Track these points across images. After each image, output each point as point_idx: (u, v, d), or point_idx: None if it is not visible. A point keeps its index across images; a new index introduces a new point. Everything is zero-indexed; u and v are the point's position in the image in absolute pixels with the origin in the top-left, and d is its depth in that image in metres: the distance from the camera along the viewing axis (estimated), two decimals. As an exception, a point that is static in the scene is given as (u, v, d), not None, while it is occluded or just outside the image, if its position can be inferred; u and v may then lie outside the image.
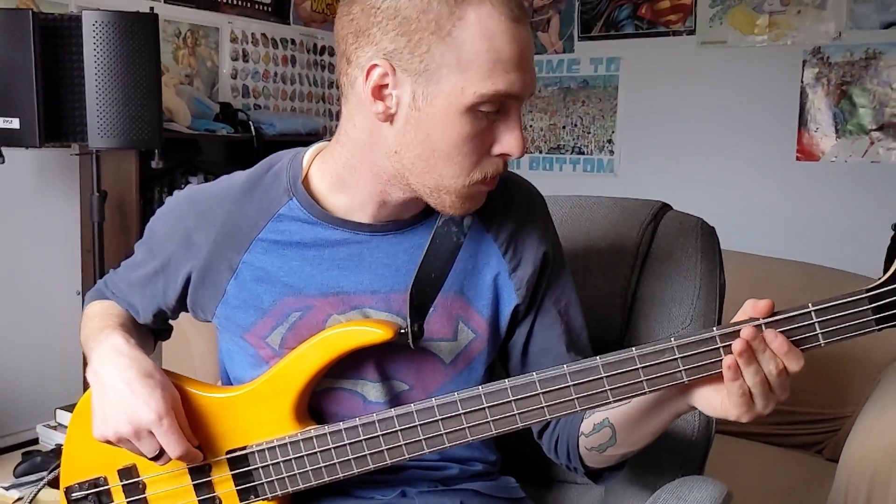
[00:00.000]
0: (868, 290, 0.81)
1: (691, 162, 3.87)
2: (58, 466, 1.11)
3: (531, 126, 4.22)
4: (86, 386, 2.78)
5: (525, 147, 0.94)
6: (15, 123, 2.22)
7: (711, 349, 0.85)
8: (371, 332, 0.98)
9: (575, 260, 1.35)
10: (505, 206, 1.08)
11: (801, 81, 3.66)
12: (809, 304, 0.83)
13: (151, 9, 2.28)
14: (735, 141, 3.79)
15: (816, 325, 0.83)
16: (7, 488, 1.64)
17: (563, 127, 4.17)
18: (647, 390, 0.88)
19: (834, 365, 2.17)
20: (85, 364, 2.69)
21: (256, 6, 3.32)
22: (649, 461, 1.25)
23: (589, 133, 4.12)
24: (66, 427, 2.10)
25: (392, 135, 0.94)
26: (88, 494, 1.07)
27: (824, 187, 3.64)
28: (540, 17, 4.18)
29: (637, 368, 0.88)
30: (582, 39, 4.10)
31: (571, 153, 4.16)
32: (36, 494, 1.13)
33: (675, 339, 0.86)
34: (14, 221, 2.60)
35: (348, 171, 1.00)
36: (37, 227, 2.66)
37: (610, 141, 4.06)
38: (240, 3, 3.25)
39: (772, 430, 2.20)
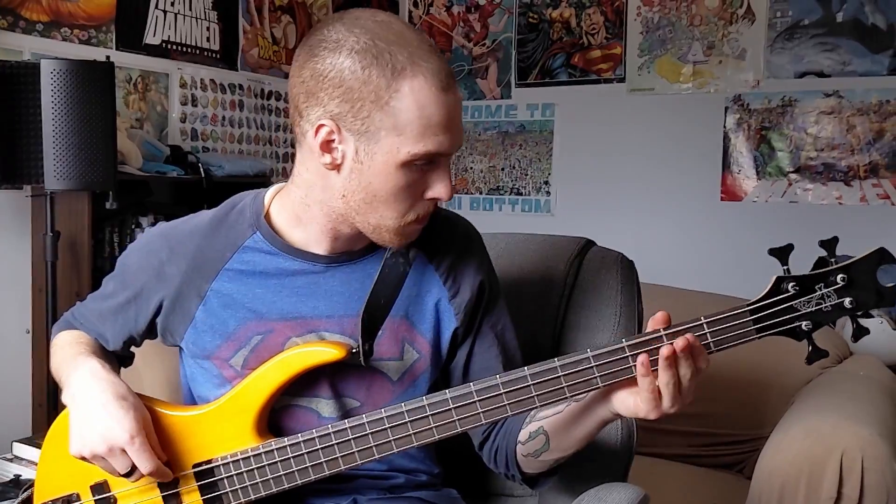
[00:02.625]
0: (748, 305, 0.96)
1: (623, 202, 4.07)
2: (30, 487, 1.19)
3: (471, 168, 4.39)
4: (35, 419, 2.83)
5: (452, 192, 1.09)
6: (-30, 165, 2.28)
7: (622, 357, 0.99)
8: (326, 351, 1.10)
9: (510, 290, 1.49)
10: (446, 241, 1.21)
11: (724, 126, 3.91)
12: (702, 317, 0.98)
13: (108, 57, 2.38)
14: (663, 182, 4.01)
15: (708, 334, 0.97)
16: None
17: (502, 169, 4.35)
18: (568, 396, 1.01)
19: (752, 389, 2.34)
20: (35, 396, 2.72)
21: (205, 53, 3.44)
22: (576, 471, 1.38)
23: (526, 175, 4.30)
24: (22, 459, 2.15)
25: (339, 181, 1.07)
26: (61, 510, 1.15)
27: (747, 226, 3.87)
28: (479, 64, 4.38)
29: (559, 376, 1.01)
30: (519, 86, 4.31)
31: (510, 194, 4.34)
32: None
33: (591, 351, 1.00)
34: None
35: (303, 209, 1.13)
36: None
37: (546, 182, 4.25)
38: (189, 50, 3.36)
39: (694, 451, 2.35)
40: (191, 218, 1.21)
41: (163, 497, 1.13)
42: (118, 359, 1.30)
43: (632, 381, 0.99)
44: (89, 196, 2.62)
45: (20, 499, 1.21)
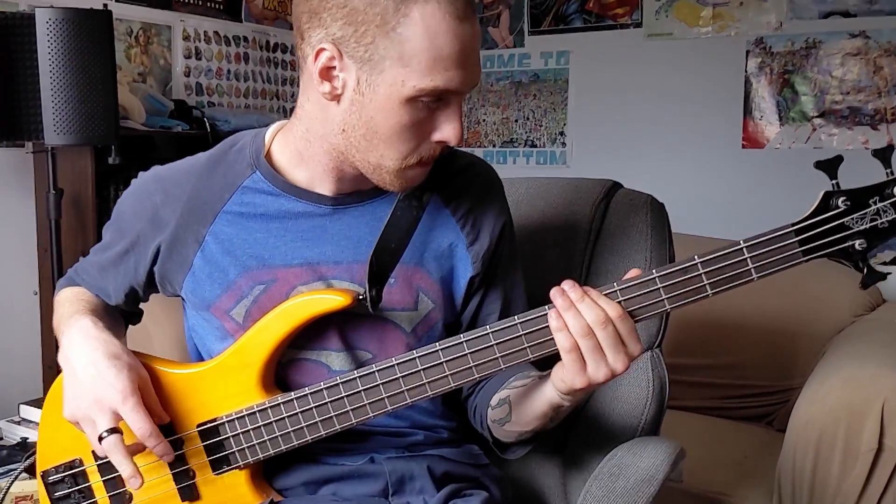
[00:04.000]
0: (794, 225, 0.87)
1: (641, 152, 3.96)
2: (33, 454, 1.12)
3: (484, 120, 4.28)
4: (46, 381, 2.78)
5: (462, 136, 0.99)
6: (-32, 121, 2.20)
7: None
8: (330, 299, 1.02)
9: (531, 238, 1.40)
10: (465, 185, 1.12)
11: (745, 71, 3.76)
12: (741, 241, 0.88)
13: (105, 5, 2.27)
14: (683, 130, 3.89)
15: (748, 260, 0.89)
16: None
17: (516, 120, 4.23)
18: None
19: (781, 339, 2.26)
20: (45, 358, 2.67)
21: (208, 4, 3.33)
22: (606, 426, 1.31)
23: (541, 126, 4.18)
24: (29, 421, 2.10)
25: (339, 113, 0.98)
26: (65, 477, 1.09)
27: (769, 173, 3.74)
28: (490, 12, 4.24)
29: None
30: (532, 34, 4.17)
31: (524, 146, 4.23)
32: (12, 483, 1.14)
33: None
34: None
35: (305, 145, 1.04)
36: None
37: (562, 133, 4.13)
38: (192, 1, 3.25)
39: (723, 403, 2.28)
40: (187, 159, 1.12)
41: (167, 460, 1.06)
42: (125, 315, 1.23)
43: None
44: (91, 152, 2.54)
45: (24, 465, 1.14)
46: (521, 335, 0.94)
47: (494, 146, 4.28)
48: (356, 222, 1.08)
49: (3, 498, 1.15)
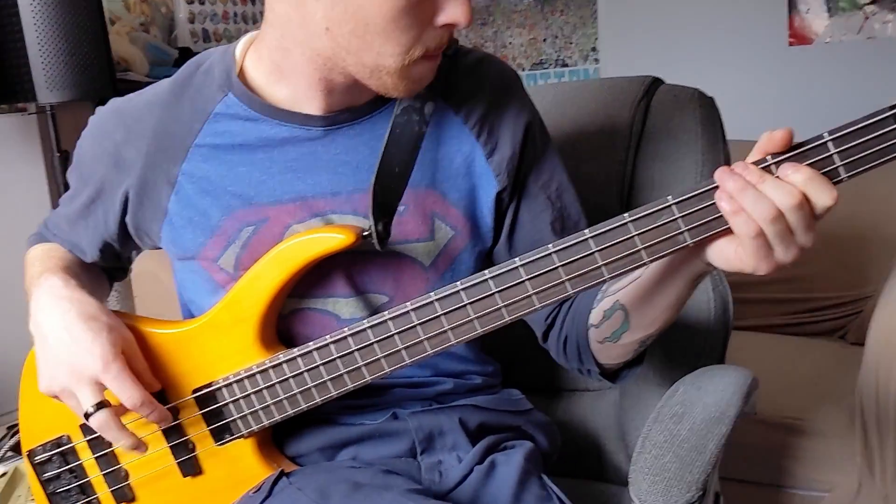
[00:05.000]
0: (891, 108, 0.68)
1: (679, 60, 3.70)
2: (16, 433, 1.00)
3: (510, 43, 4.05)
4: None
5: (472, 16, 0.81)
6: (-42, 85, 2.08)
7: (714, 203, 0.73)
8: (329, 237, 0.87)
9: (563, 150, 1.21)
10: (476, 86, 0.95)
11: (789, -37, 3.48)
12: (825, 134, 0.70)
13: (87, -52, 2.11)
14: (724, 31, 3.62)
15: (835, 156, 0.70)
16: (-9, 464, 1.56)
17: (544, 40, 3.99)
18: (646, 260, 0.76)
19: (850, 244, 2.06)
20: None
21: (207, -56, 3.14)
22: (664, 357, 1.15)
23: (571, 43, 3.94)
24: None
25: (319, 8, 0.80)
26: (53, 455, 0.97)
27: (819, 70, 3.48)
28: (508, -74, 3.98)
29: (632, 236, 0.75)
30: (554, -56, 3.90)
31: (555, 66, 3.99)
32: (-6, 462, 1.03)
33: (672, 198, 0.74)
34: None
35: (282, 55, 0.87)
36: (2, 196, 2.53)
37: (594, 49, 3.89)
38: (189, -58, 3.06)
39: (790, 319, 2.10)
40: (149, 88, 0.97)
41: (163, 431, 0.93)
42: (108, 273, 1.09)
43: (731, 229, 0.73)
44: (92, 108, 2.40)
45: (9, 445, 1.02)
46: (593, 252, 0.76)
47: (523, 69, 4.05)
48: (353, 144, 0.91)
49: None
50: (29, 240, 1.08)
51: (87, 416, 0.84)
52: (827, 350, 1.99)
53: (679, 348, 1.12)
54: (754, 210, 0.69)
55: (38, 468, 0.97)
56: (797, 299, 2.09)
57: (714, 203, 0.72)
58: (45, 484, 0.97)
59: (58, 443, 0.96)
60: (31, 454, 0.97)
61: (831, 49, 3.46)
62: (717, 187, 0.72)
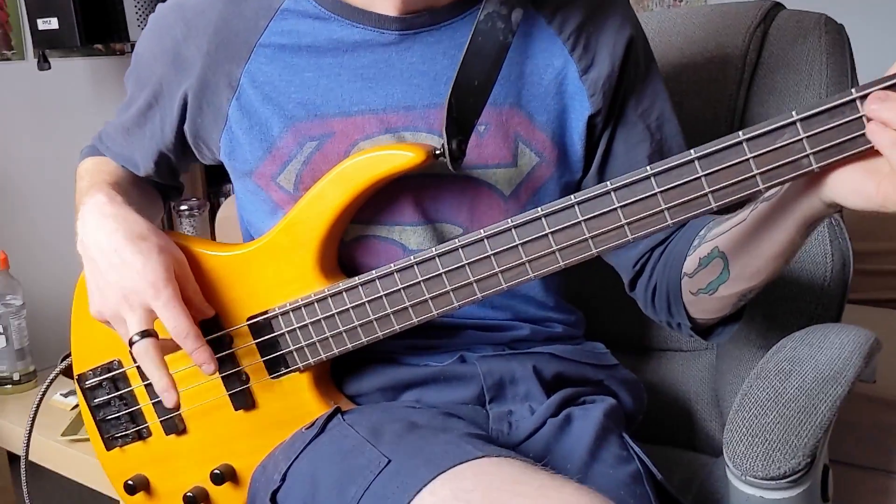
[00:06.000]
0: None
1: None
2: (69, 355, 0.97)
3: None
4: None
5: None
6: (54, 23, 2.10)
7: (850, 119, 0.61)
8: (397, 156, 0.78)
9: (668, 82, 1.09)
10: None
11: None
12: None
13: None
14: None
15: None
16: (65, 395, 1.55)
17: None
18: (761, 186, 0.64)
19: None
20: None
21: None
22: (768, 316, 1.02)
23: None
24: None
25: None
26: (103, 381, 0.92)
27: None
28: None
29: (747, 159, 0.64)
30: None
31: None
32: (48, 387, 1.00)
33: (797, 113, 0.62)
34: (74, 134, 2.49)
35: None
36: (97, 138, 2.57)
37: None
38: None
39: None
40: None
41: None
42: (161, 190, 1.04)
43: (867, 154, 0.61)
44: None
45: (59, 368, 0.99)
46: (699, 177, 0.65)
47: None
48: (430, 53, 0.82)
49: (41, 401, 1.00)
50: (81, 152, 1.03)
51: (130, 343, 0.79)
52: (954, 330, 1.80)
53: (787, 307, 1.00)
54: None
55: (88, 394, 0.93)
56: (923, 272, 1.90)
57: (848, 121, 0.61)
58: (94, 410, 0.93)
59: (108, 367, 0.92)
60: (81, 378, 0.93)
61: None
62: (851, 102, 0.60)
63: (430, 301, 0.78)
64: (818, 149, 0.62)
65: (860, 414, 1.48)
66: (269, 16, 0.84)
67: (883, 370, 1.48)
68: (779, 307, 1.01)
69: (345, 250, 0.86)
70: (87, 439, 0.97)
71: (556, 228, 0.71)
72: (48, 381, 1.00)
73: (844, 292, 1.01)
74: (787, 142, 0.63)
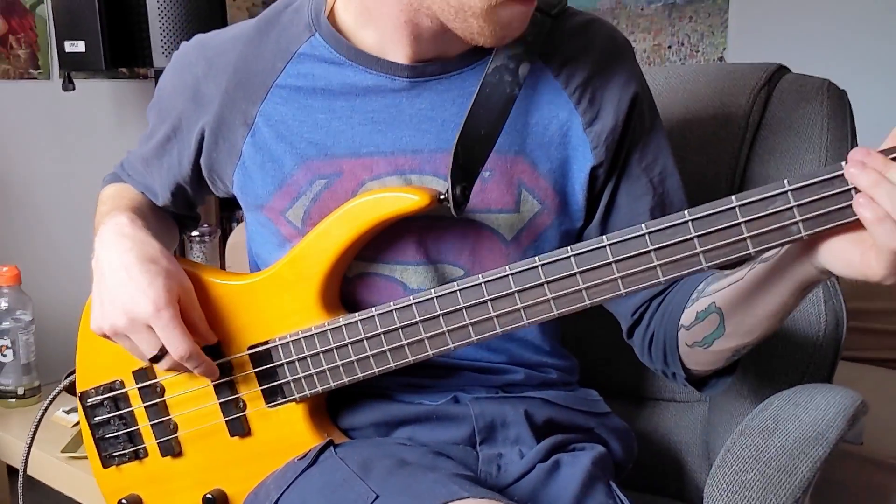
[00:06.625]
0: None
1: (824, 72, 3.49)
2: (73, 372, 0.99)
3: (634, 47, 3.92)
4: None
5: None
6: (80, 46, 2.15)
7: (840, 192, 0.63)
8: (403, 198, 0.81)
9: (671, 137, 1.12)
10: (580, 49, 0.87)
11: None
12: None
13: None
14: (881, 36, 3.36)
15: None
16: (67, 412, 1.57)
17: (669, 46, 3.84)
18: (751, 250, 0.67)
19: None
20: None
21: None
22: (762, 372, 1.04)
23: (697, 51, 3.77)
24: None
25: None
26: (104, 399, 0.94)
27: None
28: (641, -72, 3.85)
29: (738, 223, 0.67)
30: (688, -51, 3.75)
31: (678, 75, 3.85)
32: (50, 403, 1.02)
33: (788, 182, 0.65)
34: (94, 154, 2.55)
35: None
36: (118, 158, 2.61)
37: (721, 59, 3.72)
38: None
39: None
40: (236, 24, 0.93)
41: (214, 386, 0.89)
42: (178, 220, 1.07)
43: (854, 225, 0.63)
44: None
45: (63, 384, 1.01)
46: (692, 237, 0.68)
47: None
48: (440, 100, 0.85)
49: (42, 416, 1.02)
50: (104, 179, 1.07)
51: (154, 359, 0.83)
52: (951, 394, 1.80)
53: (780, 364, 1.01)
54: (888, 202, 0.59)
55: (89, 412, 0.95)
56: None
57: (837, 192, 0.63)
58: (94, 428, 0.95)
59: (110, 387, 0.94)
60: (84, 396, 0.95)
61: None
62: (841, 176, 0.63)
63: (426, 341, 0.80)
64: (807, 217, 0.65)
65: (852, 474, 1.48)
66: (286, 58, 0.87)
67: (874, 431, 1.49)
68: (772, 364, 1.02)
69: (347, 286, 0.88)
70: (86, 457, 0.99)
71: (552, 278, 0.74)
72: (51, 397, 1.02)
73: (837, 352, 1.02)
74: (778, 209, 0.65)
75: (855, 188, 0.62)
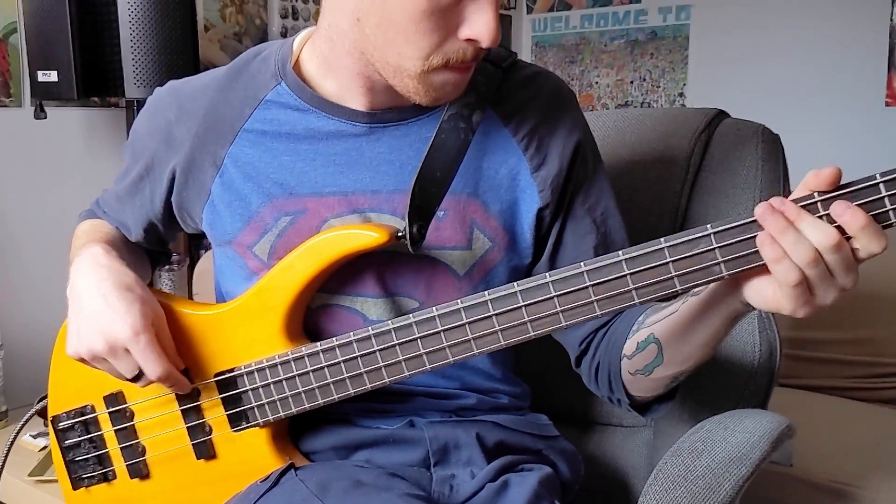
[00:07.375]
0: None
1: (770, 113, 3.61)
2: (45, 397, 1.03)
3: (597, 83, 4.03)
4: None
5: (499, 35, 0.79)
6: (53, 76, 2.19)
7: (756, 235, 0.70)
8: (363, 235, 0.86)
9: (619, 177, 1.20)
10: (528, 99, 0.94)
11: (891, 20, 3.37)
12: (877, 175, 0.67)
13: (187, -46, 2.20)
14: (818, 89, 3.52)
15: (886, 199, 0.67)
16: (35, 436, 1.60)
17: (631, 82, 3.96)
18: (678, 288, 0.73)
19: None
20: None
21: (307, -38, 3.24)
22: (701, 398, 1.11)
23: (658, 87, 3.90)
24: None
25: None
26: (75, 423, 0.98)
27: (918, 134, 3.35)
28: (605, -34, 3.98)
29: (666, 263, 0.73)
30: (649, -12, 3.88)
31: (640, 109, 3.96)
32: (22, 426, 1.05)
33: (711, 227, 0.72)
34: (65, 181, 2.57)
35: (329, 47, 0.88)
36: (89, 186, 2.63)
37: (681, 94, 3.84)
38: (290, -41, 3.16)
39: (855, 383, 2.00)
40: (207, 72, 0.99)
41: (181, 411, 0.94)
42: (151, 255, 1.12)
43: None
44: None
45: (35, 409, 1.05)
46: (625, 275, 0.74)
47: (608, 109, 4.03)
48: (398, 144, 0.91)
49: (14, 440, 1.06)
50: (80, 215, 1.12)
51: (133, 380, 0.88)
52: (888, 418, 1.88)
53: (718, 390, 1.08)
54: (794, 253, 0.66)
55: (60, 435, 0.99)
56: (865, 363, 1.99)
57: (753, 236, 0.70)
58: (64, 451, 0.99)
59: (81, 411, 0.98)
60: (55, 420, 0.99)
61: (931, 113, 3.33)
62: (752, 221, 0.70)
63: (383, 369, 0.85)
64: (728, 258, 0.72)
65: (794, 496, 1.55)
66: (253, 105, 0.93)
67: (805, 453, 1.57)
68: (710, 391, 1.09)
69: (310, 316, 0.93)
70: (54, 480, 1.03)
71: (500, 311, 0.80)
72: (23, 420, 1.06)
73: (771, 379, 1.09)
74: (702, 250, 0.72)
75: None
